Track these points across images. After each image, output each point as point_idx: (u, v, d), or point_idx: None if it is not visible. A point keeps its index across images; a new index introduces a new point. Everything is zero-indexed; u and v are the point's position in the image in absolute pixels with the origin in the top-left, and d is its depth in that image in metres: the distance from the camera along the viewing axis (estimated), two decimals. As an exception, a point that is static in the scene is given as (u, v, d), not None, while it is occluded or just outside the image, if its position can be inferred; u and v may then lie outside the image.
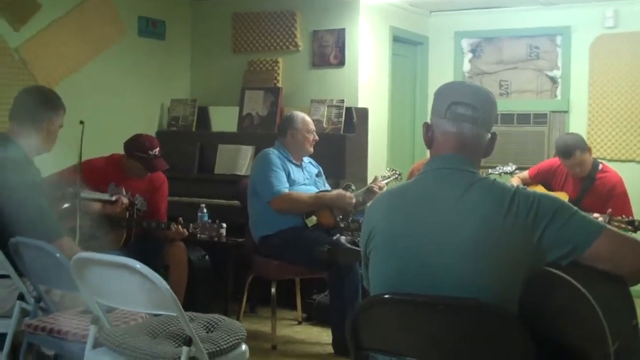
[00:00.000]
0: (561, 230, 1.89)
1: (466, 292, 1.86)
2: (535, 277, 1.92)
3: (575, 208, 1.96)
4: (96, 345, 2.70)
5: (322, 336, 4.80)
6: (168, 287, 2.39)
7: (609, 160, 5.97)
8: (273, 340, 4.58)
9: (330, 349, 4.50)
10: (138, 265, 2.38)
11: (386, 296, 1.94)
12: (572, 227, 1.90)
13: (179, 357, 2.46)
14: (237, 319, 4.47)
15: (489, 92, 2.15)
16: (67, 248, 3.09)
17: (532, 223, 1.89)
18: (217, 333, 2.77)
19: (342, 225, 4.43)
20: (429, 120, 2.15)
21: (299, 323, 5.15)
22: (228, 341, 2.70)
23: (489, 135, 2.10)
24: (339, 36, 5.98)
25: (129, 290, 2.52)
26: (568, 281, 1.87)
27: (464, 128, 2.06)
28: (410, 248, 1.98)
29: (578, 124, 6.45)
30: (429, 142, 2.14)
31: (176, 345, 2.62)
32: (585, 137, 5.82)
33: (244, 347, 2.81)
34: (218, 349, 2.63)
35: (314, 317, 5.16)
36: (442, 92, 2.14)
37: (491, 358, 1.86)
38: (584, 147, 4.82)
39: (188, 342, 2.47)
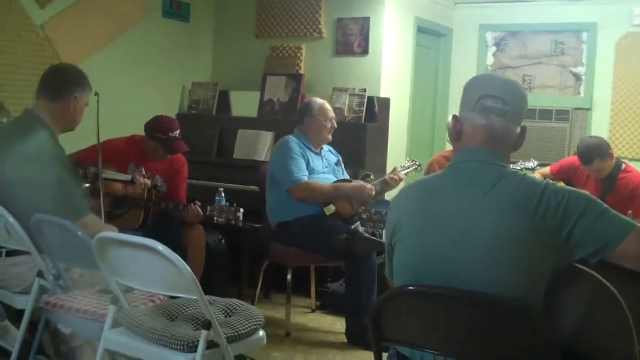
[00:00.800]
0: (592, 227, 1.87)
1: (491, 287, 1.84)
2: (562, 273, 1.90)
3: (605, 205, 1.93)
4: (115, 325, 2.70)
5: (336, 325, 4.79)
6: (190, 270, 2.38)
7: (631, 160, 5.91)
8: (287, 328, 4.57)
9: (343, 339, 4.48)
10: (161, 247, 2.38)
11: (410, 288, 1.93)
12: (603, 225, 1.88)
13: (198, 341, 2.46)
14: (252, 305, 4.45)
15: (520, 86, 2.13)
16: (91, 225, 3.10)
17: (561, 218, 1.87)
18: (235, 318, 2.77)
19: (364, 216, 4.39)
20: (457, 113, 2.13)
21: (313, 311, 5.14)
22: (246, 326, 2.70)
23: (519, 129, 2.08)
24: (364, 25, 5.94)
25: (150, 271, 2.51)
26: (595, 278, 1.86)
27: (493, 121, 2.04)
28: (437, 241, 1.96)
29: (601, 122, 6.40)
30: (457, 136, 2.11)
31: (195, 328, 2.62)
32: (607, 135, 5.79)
33: (261, 333, 2.80)
34: (237, 334, 2.63)
35: (327, 305, 5.15)
36: (472, 85, 2.12)
37: (514, 354, 1.84)
38: (605, 155, 4.73)
39: (207, 325, 2.46)
